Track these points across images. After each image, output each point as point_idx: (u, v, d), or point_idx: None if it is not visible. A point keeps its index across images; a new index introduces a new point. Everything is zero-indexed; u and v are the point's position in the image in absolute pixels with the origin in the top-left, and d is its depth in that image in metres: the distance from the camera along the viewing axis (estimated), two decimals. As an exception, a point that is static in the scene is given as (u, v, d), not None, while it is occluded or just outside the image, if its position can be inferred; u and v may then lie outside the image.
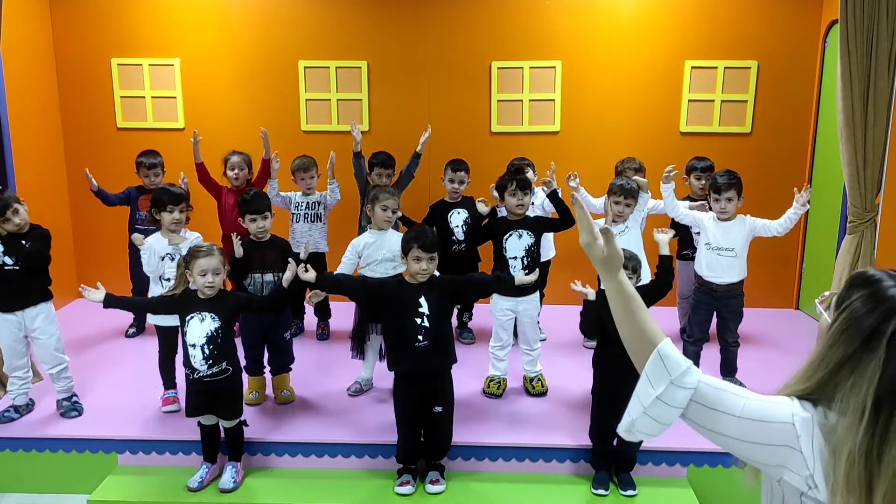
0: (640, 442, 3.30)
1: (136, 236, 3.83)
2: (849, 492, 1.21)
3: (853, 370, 1.27)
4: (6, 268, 3.54)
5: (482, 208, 3.88)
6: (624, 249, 3.29)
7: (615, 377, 3.24)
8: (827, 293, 1.52)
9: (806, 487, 1.28)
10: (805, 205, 3.75)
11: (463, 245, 4.47)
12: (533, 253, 3.81)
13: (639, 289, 3.24)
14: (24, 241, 3.56)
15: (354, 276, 3.43)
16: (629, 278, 3.17)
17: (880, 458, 1.21)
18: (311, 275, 3.19)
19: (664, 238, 3.43)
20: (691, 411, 1.36)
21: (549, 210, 4.26)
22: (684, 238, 4.56)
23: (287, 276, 3.25)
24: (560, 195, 3.89)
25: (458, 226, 4.52)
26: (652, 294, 3.32)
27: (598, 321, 3.26)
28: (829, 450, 1.26)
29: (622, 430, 1.44)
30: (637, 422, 1.39)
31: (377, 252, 3.83)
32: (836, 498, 1.23)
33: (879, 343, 1.24)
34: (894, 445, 1.20)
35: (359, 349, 3.98)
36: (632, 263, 3.21)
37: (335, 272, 3.72)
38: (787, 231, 3.78)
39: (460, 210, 4.55)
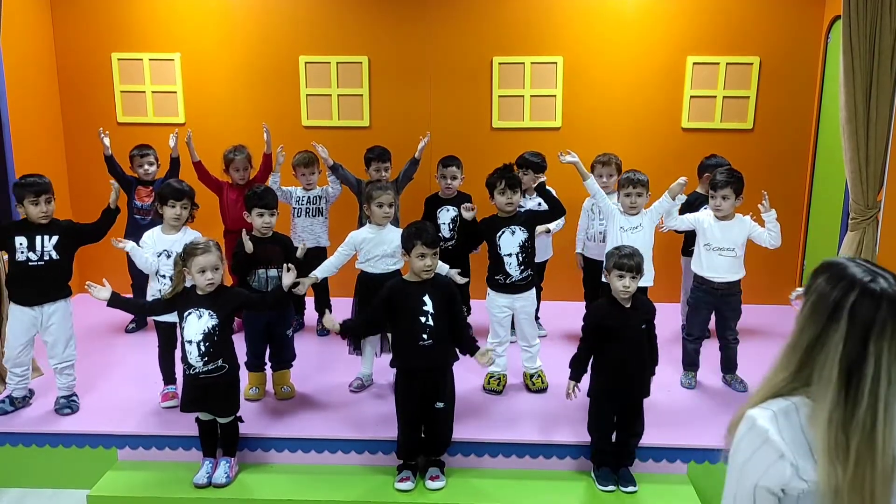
0: (640, 437, 3.31)
1: (118, 241, 3.69)
2: (830, 460, 1.29)
3: (823, 345, 1.35)
4: (30, 264, 3.55)
5: (467, 214, 3.82)
6: (626, 247, 3.31)
7: (612, 371, 3.24)
8: (800, 289, 1.66)
9: (797, 479, 1.34)
10: (769, 210, 3.75)
11: (450, 243, 4.42)
12: (527, 248, 3.77)
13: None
14: (46, 236, 3.57)
15: (371, 311, 3.34)
16: (632, 279, 3.17)
17: (852, 420, 1.29)
18: (335, 326, 3.22)
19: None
20: None
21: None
22: (690, 235, 4.50)
23: (286, 281, 3.24)
24: (546, 186, 3.82)
25: (445, 223, 4.48)
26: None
27: (598, 328, 3.24)
28: (808, 424, 1.34)
29: None
30: None
31: (377, 248, 3.82)
32: (822, 470, 1.29)
33: (842, 314, 1.34)
34: (860, 407, 1.29)
35: (355, 345, 3.98)
36: (632, 262, 3.17)
37: (326, 263, 3.79)
38: (779, 241, 3.78)
39: (449, 207, 4.51)
